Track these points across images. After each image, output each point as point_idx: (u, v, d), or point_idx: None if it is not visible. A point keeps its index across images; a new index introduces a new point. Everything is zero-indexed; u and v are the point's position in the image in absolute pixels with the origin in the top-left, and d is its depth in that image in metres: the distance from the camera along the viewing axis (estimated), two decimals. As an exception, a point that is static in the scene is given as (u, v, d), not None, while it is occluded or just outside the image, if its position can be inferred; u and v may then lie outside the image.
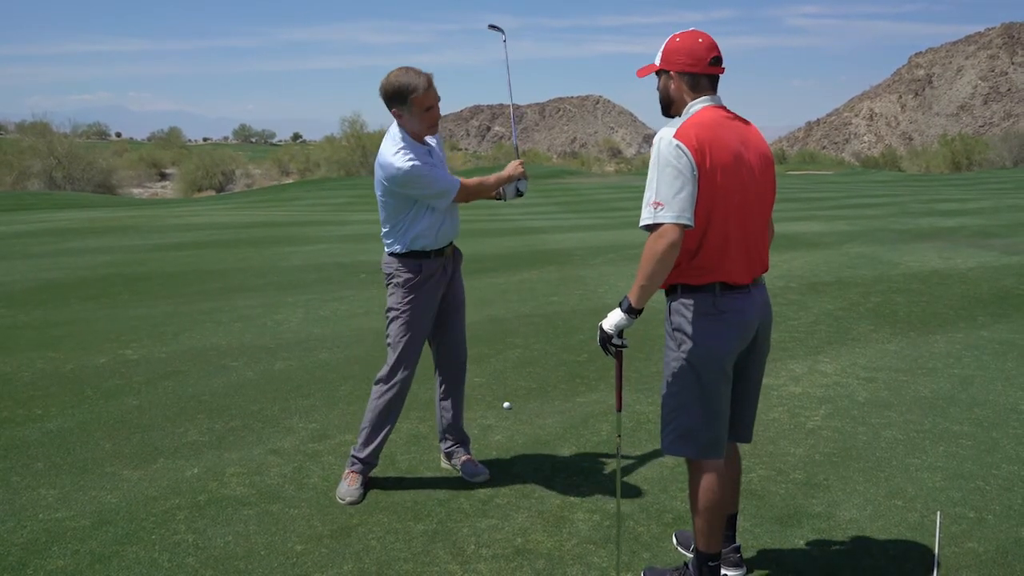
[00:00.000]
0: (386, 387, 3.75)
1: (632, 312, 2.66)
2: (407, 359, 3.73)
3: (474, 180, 3.77)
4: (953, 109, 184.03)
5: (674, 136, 2.57)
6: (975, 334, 6.60)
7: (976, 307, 7.60)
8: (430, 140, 3.73)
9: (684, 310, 2.71)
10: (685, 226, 2.54)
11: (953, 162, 62.19)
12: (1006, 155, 60.53)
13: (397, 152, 3.54)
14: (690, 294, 2.70)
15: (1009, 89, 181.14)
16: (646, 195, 2.59)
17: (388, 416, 3.78)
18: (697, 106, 2.70)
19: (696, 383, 2.71)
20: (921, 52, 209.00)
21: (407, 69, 3.53)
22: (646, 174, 2.64)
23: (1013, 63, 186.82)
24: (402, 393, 3.77)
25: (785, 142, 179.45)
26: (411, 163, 3.51)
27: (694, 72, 2.69)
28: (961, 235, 13.37)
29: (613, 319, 2.70)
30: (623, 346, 2.74)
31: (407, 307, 3.69)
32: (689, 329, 2.69)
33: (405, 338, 3.70)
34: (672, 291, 2.75)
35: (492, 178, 3.82)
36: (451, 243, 3.82)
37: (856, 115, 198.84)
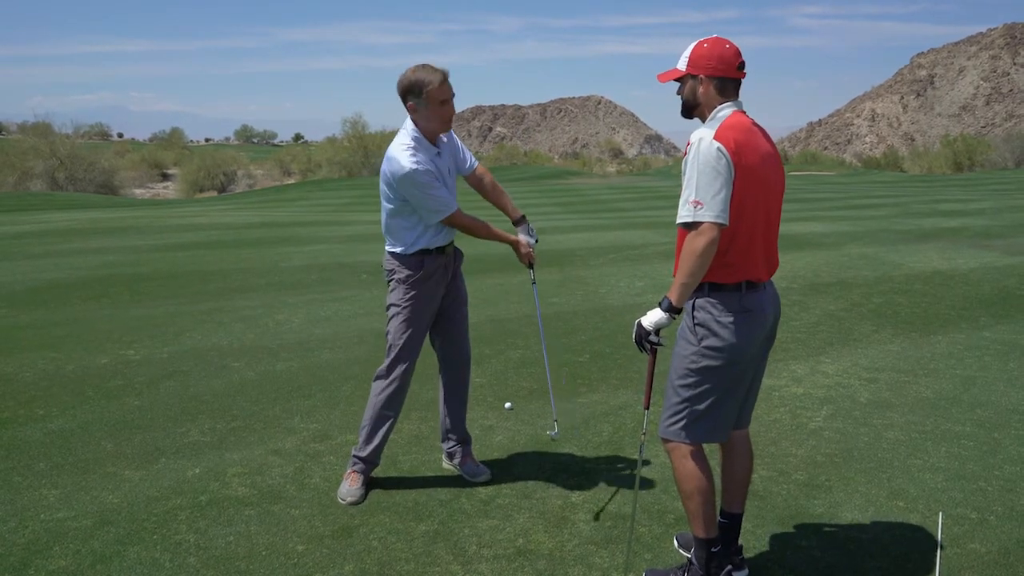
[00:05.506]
0: (385, 383, 3.76)
1: (673, 311, 2.73)
2: (406, 355, 3.74)
3: (471, 218, 3.72)
4: (955, 110, 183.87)
5: (714, 138, 2.64)
6: (977, 335, 6.59)
7: (978, 308, 7.60)
8: (444, 137, 3.71)
9: (711, 308, 2.76)
10: (722, 225, 2.61)
11: (955, 163, 62.10)
12: (1008, 156, 60.40)
13: (406, 150, 3.53)
14: (717, 293, 2.76)
15: (1011, 90, 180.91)
16: (684, 193, 2.65)
17: (388, 412, 3.78)
18: (726, 110, 2.77)
19: (717, 378, 2.77)
20: (923, 52, 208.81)
21: (423, 65, 3.53)
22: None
23: (1015, 64, 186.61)
24: (402, 389, 3.77)
25: (787, 142, 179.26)
26: (415, 166, 3.49)
27: (723, 76, 2.77)
28: (963, 236, 13.35)
29: (653, 317, 2.75)
30: (659, 344, 2.80)
31: (408, 303, 3.69)
32: (715, 327, 2.74)
33: (405, 335, 3.71)
34: (698, 289, 2.79)
35: (494, 231, 3.76)
36: (451, 242, 3.82)
37: (858, 116, 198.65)
